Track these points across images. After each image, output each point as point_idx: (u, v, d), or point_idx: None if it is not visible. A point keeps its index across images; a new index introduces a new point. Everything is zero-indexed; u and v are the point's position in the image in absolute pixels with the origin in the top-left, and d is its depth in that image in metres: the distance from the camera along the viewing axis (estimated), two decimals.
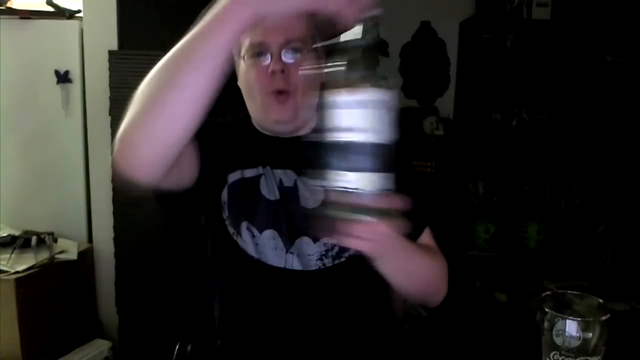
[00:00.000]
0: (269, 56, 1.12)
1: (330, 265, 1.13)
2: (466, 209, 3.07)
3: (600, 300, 0.84)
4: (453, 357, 2.30)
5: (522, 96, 3.06)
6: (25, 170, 2.43)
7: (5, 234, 2.25)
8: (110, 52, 2.23)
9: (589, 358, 0.80)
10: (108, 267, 2.38)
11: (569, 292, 0.87)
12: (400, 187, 0.80)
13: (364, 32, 0.77)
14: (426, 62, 3.14)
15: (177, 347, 1.36)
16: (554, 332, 0.81)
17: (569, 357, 0.80)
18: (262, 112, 1.17)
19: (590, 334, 0.79)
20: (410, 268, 1.01)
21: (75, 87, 2.34)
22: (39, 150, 2.41)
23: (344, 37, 0.80)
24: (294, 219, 1.14)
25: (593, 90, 2.98)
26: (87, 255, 2.37)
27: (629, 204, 2.97)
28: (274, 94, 1.12)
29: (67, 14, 2.38)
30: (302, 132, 1.21)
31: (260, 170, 1.17)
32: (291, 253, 1.13)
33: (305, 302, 1.14)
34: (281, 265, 1.13)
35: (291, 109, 1.13)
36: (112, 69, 2.23)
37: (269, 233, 1.14)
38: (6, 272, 2.06)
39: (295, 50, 1.12)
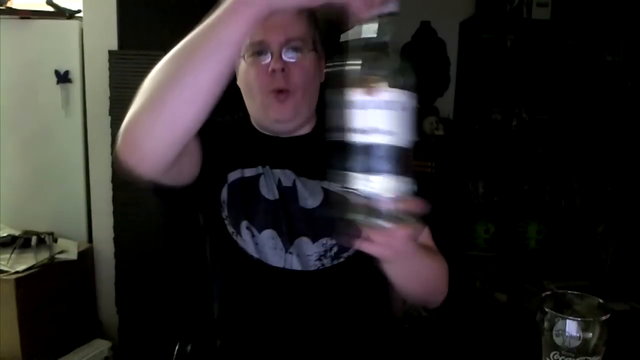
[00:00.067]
0: (269, 55, 1.11)
1: (329, 265, 1.13)
2: (466, 209, 3.07)
3: (600, 300, 0.84)
4: (453, 357, 2.30)
5: (522, 96, 3.06)
6: (25, 170, 2.43)
7: (5, 234, 2.25)
8: (110, 52, 2.23)
9: (589, 358, 0.79)
10: (108, 267, 2.38)
11: (569, 292, 0.87)
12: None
13: (380, 30, 0.74)
14: (426, 62, 3.14)
15: (177, 347, 1.36)
16: (554, 332, 0.81)
17: (569, 357, 0.80)
18: (261, 111, 1.16)
19: (590, 334, 0.79)
20: (416, 271, 1.00)
21: (75, 87, 2.34)
22: (39, 150, 2.41)
23: (358, 34, 0.76)
24: (294, 219, 1.14)
25: (593, 90, 2.98)
26: (87, 255, 2.36)
27: (629, 204, 2.97)
28: (274, 93, 1.12)
29: (67, 14, 2.37)
30: (301, 132, 1.21)
31: (259, 169, 1.17)
32: (290, 253, 1.13)
33: (304, 303, 1.14)
34: (281, 265, 1.13)
35: (291, 108, 1.13)
36: (112, 69, 2.23)
37: (268, 233, 1.13)
38: (6, 272, 2.06)
39: (296, 49, 1.12)
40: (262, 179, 1.16)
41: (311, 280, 1.13)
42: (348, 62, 0.74)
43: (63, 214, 2.42)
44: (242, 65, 1.16)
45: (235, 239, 1.14)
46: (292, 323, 1.15)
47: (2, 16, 2.32)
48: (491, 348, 2.32)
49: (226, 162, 1.17)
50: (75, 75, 2.33)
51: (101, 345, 2.31)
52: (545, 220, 3.07)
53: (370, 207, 0.73)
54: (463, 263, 2.92)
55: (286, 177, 1.16)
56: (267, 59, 1.11)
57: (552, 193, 3.09)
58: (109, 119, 2.22)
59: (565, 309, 0.83)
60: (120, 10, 2.22)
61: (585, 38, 2.96)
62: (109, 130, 2.21)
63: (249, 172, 1.17)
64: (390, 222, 0.74)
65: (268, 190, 1.15)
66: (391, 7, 0.74)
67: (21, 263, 2.11)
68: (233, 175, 1.17)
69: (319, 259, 1.13)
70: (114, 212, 2.33)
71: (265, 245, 1.13)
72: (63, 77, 2.32)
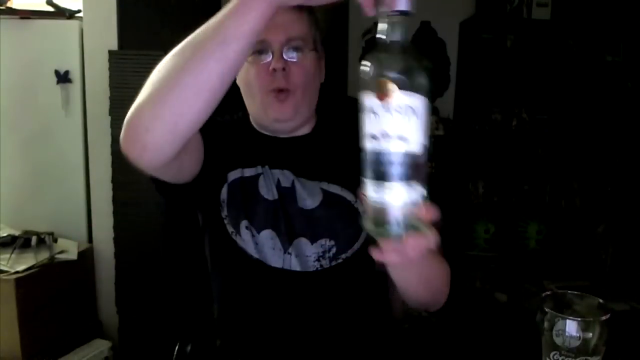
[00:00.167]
0: (270, 54, 1.11)
1: (328, 266, 1.13)
2: (466, 209, 3.07)
3: (600, 300, 0.84)
4: (453, 357, 2.30)
5: (522, 96, 3.05)
6: (25, 170, 2.43)
7: (5, 234, 2.25)
8: (110, 52, 2.23)
9: (589, 358, 0.79)
10: (108, 267, 2.38)
11: (569, 292, 0.87)
12: None
13: (389, 30, 0.70)
14: None
15: (177, 347, 1.36)
16: (554, 332, 0.81)
17: (569, 357, 0.80)
18: (261, 110, 1.16)
19: (590, 334, 0.79)
20: (424, 276, 0.99)
21: (75, 87, 2.34)
22: (39, 150, 2.41)
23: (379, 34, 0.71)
24: (292, 220, 1.14)
25: (593, 90, 2.97)
26: (87, 255, 2.37)
27: (629, 204, 2.97)
28: (274, 92, 1.12)
29: (67, 14, 2.38)
30: (301, 132, 1.21)
31: (259, 169, 1.17)
32: (289, 253, 1.13)
33: (304, 303, 1.14)
34: (280, 265, 1.13)
35: (291, 107, 1.13)
36: (112, 69, 2.23)
37: (267, 233, 1.13)
38: (6, 272, 2.06)
39: (297, 48, 1.12)
40: (261, 179, 1.16)
41: (310, 281, 1.13)
42: (361, 63, 0.71)
43: (63, 214, 2.42)
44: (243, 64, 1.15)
45: (235, 239, 1.14)
46: (291, 323, 1.15)
47: (2, 16, 2.32)
48: (491, 348, 2.32)
49: (227, 161, 1.17)
50: (75, 75, 2.33)
51: (101, 345, 2.31)
52: (545, 220, 3.06)
53: (383, 215, 0.70)
54: (463, 263, 2.92)
55: (285, 177, 1.16)
56: (268, 58, 1.11)
57: (552, 193, 3.09)
58: (109, 119, 2.22)
59: (565, 309, 0.83)
60: (120, 10, 2.22)
61: (585, 38, 2.96)
62: (109, 130, 2.21)
63: (248, 172, 1.17)
64: (404, 230, 0.71)
65: (267, 191, 1.15)
66: (402, 6, 0.69)
67: (21, 263, 2.11)
68: (233, 175, 1.17)
69: (318, 260, 1.13)
70: (114, 212, 2.33)
71: (264, 245, 1.13)
72: (63, 77, 2.32)
